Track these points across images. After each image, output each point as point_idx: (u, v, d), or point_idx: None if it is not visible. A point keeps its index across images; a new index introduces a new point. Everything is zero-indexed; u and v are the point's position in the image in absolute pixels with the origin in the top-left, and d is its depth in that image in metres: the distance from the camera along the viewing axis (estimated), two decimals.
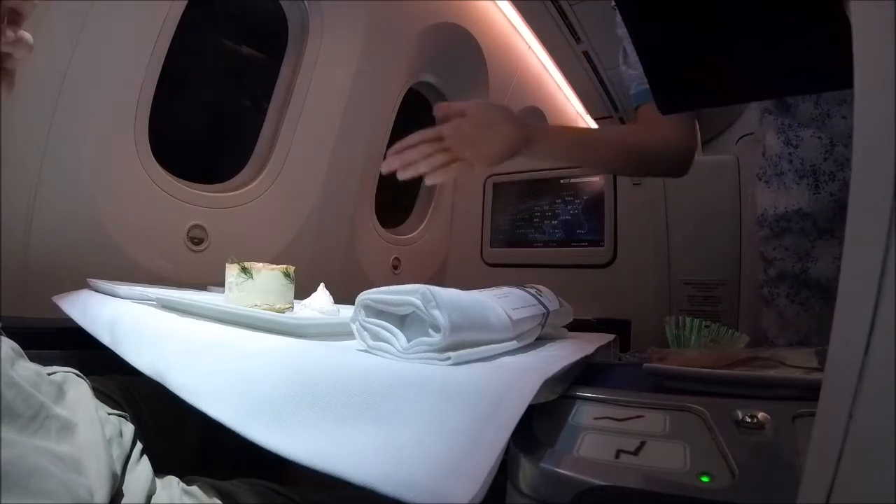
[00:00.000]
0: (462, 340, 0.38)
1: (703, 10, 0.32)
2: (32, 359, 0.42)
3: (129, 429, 0.47)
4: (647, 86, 0.42)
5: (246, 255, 0.66)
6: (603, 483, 0.26)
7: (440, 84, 1.63)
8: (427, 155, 0.69)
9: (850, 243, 0.18)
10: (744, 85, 0.40)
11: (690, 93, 0.40)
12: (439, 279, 1.61)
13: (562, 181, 1.36)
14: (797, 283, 0.74)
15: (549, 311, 0.53)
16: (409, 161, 0.69)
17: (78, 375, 0.48)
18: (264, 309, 0.58)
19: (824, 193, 0.70)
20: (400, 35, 1.35)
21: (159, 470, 0.46)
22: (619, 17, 0.78)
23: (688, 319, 0.58)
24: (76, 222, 0.89)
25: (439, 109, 0.74)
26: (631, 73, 0.81)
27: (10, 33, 0.41)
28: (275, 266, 0.61)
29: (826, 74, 0.34)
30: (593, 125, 2.44)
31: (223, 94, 1.30)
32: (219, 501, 0.45)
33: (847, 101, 0.67)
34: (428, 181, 0.71)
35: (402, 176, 0.70)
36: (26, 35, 0.43)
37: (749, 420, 0.32)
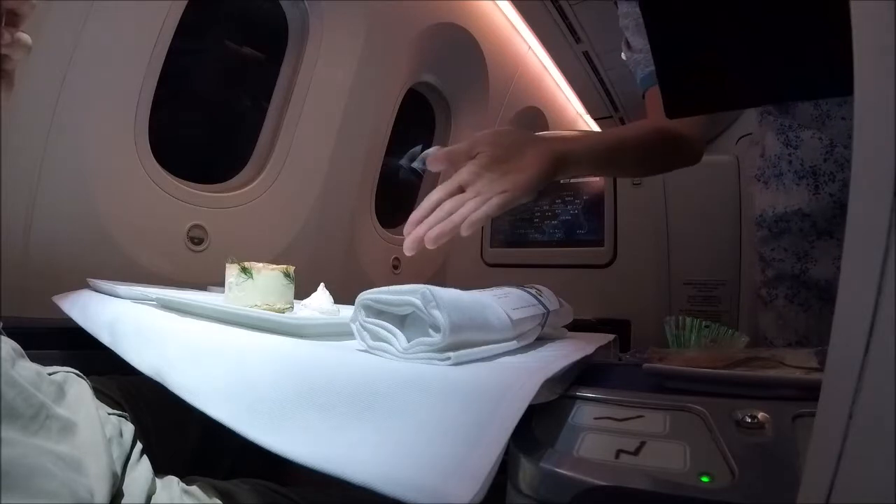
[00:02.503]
0: (462, 340, 0.38)
1: (719, 17, 0.32)
2: (32, 359, 0.42)
3: (129, 429, 0.47)
4: (652, 68, 0.42)
5: (246, 255, 0.66)
6: (603, 483, 0.26)
7: (440, 84, 1.63)
8: (453, 211, 0.56)
9: (850, 243, 0.18)
10: (753, 90, 0.40)
11: (699, 98, 0.40)
12: (439, 279, 1.61)
13: (562, 181, 1.36)
14: (796, 283, 0.74)
15: (549, 312, 0.53)
16: (435, 224, 0.56)
17: (78, 375, 0.48)
18: (264, 309, 0.58)
19: (824, 194, 0.70)
20: (400, 35, 1.35)
21: (159, 470, 0.46)
22: (620, 10, 0.78)
23: (688, 319, 0.58)
24: (76, 222, 0.89)
25: (437, 160, 0.61)
26: (636, 56, 0.78)
27: (6, 35, 0.41)
28: (275, 266, 0.61)
29: (835, 80, 0.34)
30: (594, 126, 2.44)
31: (223, 94, 1.30)
32: (219, 501, 0.45)
33: (847, 102, 0.67)
34: (464, 232, 0.55)
35: (433, 245, 0.56)
36: (24, 36, 0.43)
37: (749, 420, 0.32)
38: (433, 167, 0.61)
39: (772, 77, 0.36)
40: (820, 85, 0.38)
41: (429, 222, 0.56)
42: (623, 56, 0.82)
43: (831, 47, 0.28)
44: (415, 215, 0.57)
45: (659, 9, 0.35)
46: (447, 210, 0.56)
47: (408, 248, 0.56)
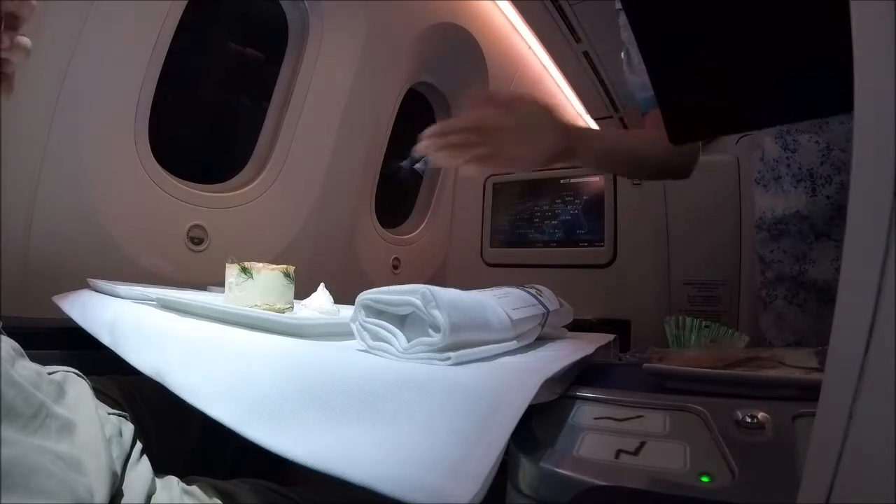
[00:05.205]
0: (462, 340, 0.38)
1: (717, 42, 0.32)
2: (32, 359, 0.42)
3: (128, 428, 0.47)
4: (652, 93, 0.42)
5: (246, 255, 0.66)
6: (603, 483, 0.26)
7: (440, 84, 1.63)
8: (461, 146, 0.65)
9: (850, 243, 0.18)
10: (757, 113, 0.40)
11: (702, 124, 0.40)
12: (439, 279, 1.61)
13: (562, 181, 1.36)
14: (795, 284, 0.75)
15: (548, 312, 0.53)
16: (442, 148, 0.66)
17: (78, 375, 0.48)
18: (264, 309, 0.58)
19: (821, 196, 0.71)
20: (400, 35, 1.35)
21: (159, 470, 0.46)
22: (622, 21, 0.78)
23: (688, 319, 0.58)
24: (76, 222, 0.89)
25: (482, 97, 0.70)
26: (635, 80, 0.80)
27: (6, 39, 0.41)
28: (275, 266, 0.61)
29: (839, 98, 0.34)
30: (593, 125, 2.44)
31: (223, 94, 1.30)
32: (219, 501, 0.45)
33: None
34: (452, 165, 0.71)
35: (435, 164, 0.68)
36: (24, 40, 0.43)
37: (749, 420, 0.32)
38: (479, 100, 0.70)
39: (776, 99, 0.36)
40: (824, 102, 0.38)
41: (438, 144, 0.65)
42: (624, 68, 0.82)
43: (834, 66, 0.28)
44: (432, 129, 0.65)
45: (653, 39, 0.34)
46: (455, 143, 0.65)
47: (419, 149, 0.66)
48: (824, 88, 0.32)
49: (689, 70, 0.35)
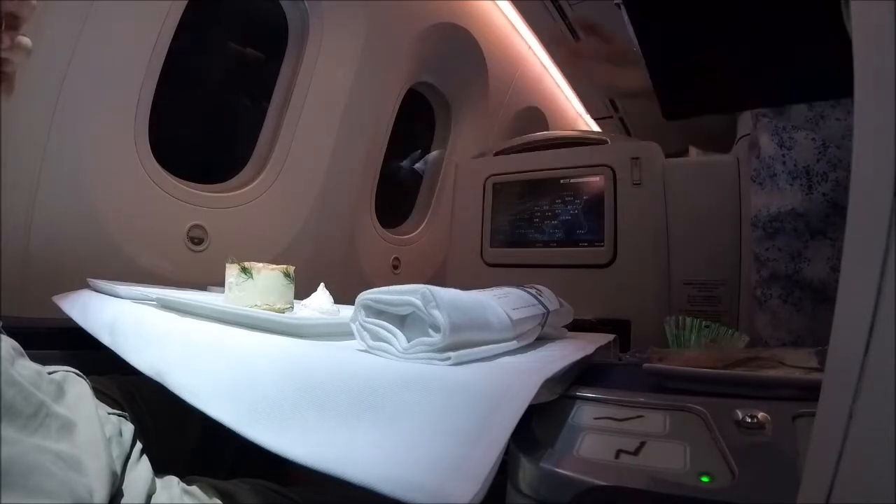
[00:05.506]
0: (462, 340, 0.38)
1: (710, 17, 0.32)
2: (32, 359, 0.42)
3: (128, 428, 0.47)
4: None
5: (246, 255, 0.66)
6: (603, 483, 0.26)
7: (440, 84, 1.63)
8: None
9: (850, 243, 0.18)
10: (748, 91, 0.40)
11: (694, 100, 0.40)
12: (439, 279, 1.61)
13: (562, 181, 1.36)
14: (790, 283, 0.74)
15: (548, 312, 0.53)
16: None
17: (78, 375, 0.48)
18: (264, 309, 0.58)
19: (817, 194, 0.70)
20: (400, 35, 1.35)
21: (159, 470, 0.46)
22: (626, 17, 0.79)
23: (688, 319, 0.58)
24: (76, 222, 0.89)
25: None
26: None
27: (6, 39, 0.41)
28: (275, 266, 0.61)
29: (834, 81, 0.34)
30: (594, 126, 2.44)
31: (223, 94, 1.30)
32: (219, 501, 0.45)
33: (841, 103, 0.68)
34: None
35: None
36: (24, 39, 0.43)
37: (749, 420, 0.32)
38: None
39: (768, 78, 0.36)
40: (818, 87, 0.39)
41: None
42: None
43: (829, 48, 0.28)
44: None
45: (646, 9, 0.34)
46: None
47: None
48: (818, 70, 0.33)
49: (682, 45, 0.35)
